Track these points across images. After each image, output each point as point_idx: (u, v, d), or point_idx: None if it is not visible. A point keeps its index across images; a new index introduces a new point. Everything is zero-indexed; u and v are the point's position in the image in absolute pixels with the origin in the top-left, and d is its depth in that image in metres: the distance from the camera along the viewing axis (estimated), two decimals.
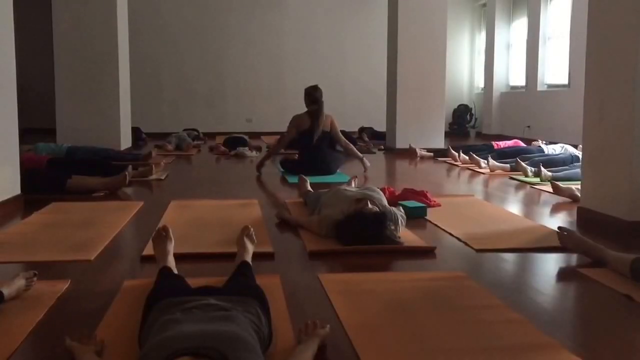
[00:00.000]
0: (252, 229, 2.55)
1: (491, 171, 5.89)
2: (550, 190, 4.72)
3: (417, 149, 7.39)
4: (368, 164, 5.86)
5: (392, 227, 2.92)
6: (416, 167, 6.56)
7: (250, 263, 2.27)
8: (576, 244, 2.76)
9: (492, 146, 7.00)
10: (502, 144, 7.07)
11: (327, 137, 5.79)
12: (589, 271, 2.55)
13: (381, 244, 2.85)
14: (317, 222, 3.14)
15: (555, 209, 4.15)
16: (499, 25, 10.96)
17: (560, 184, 4.52)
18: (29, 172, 4.35)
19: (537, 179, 5.22)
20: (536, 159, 5.86)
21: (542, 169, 5.26)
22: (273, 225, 3.41)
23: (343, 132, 8.43)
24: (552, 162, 5.71)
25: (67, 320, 2.00)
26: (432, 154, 7.38)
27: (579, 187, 4.38)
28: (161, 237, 2.44)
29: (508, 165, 5.95)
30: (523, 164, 5.44)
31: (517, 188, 5.04)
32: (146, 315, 1.68)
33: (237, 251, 2.41)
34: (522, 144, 6.96)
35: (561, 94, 8.97)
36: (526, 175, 5.34)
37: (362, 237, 2.86)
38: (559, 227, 2.89)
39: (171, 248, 2.40)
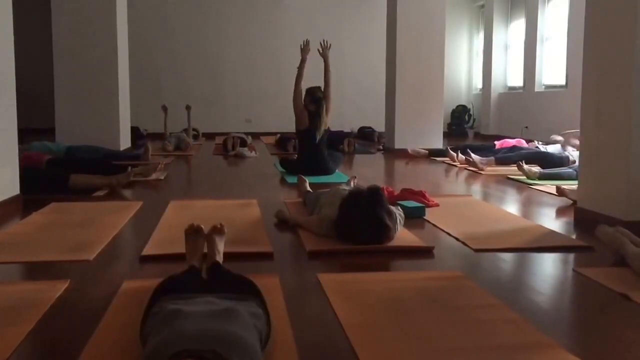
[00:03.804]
0: (223, 225, 2.48)
1: (478, 168, 5.95)
2: (548, 190, 4.74)
3: (408, 148, 7.45)
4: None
5: (388, 206, 2.97)
6: (414, 168, 6.58)
7: (221, 263, 2.23)
8: (605, 232, 2.80)
9: (494, 146, 7.03)
10: (504, 143, 7.10)
11: (326, 136, 5.79)
12: (586, 271, 2.56)
13: (378, 221, 2.86)
14: (317, 221, 3.15)
15: (553, 209, 4.17)
16: (497, 26, 10.98)
17: (565, 185, 4.52)
18: (29, 172, 4.35)
19: (535, 180, 5.24)
20: (523, 153, 5.95)
21: (523, 165, 5.32)
22: (272, 225, 3.42)
23: (341, 132, 8.48)
24: (548, 162, 5.74)
25: (66, 320, 2.00)
26: (426, 151, 7.41)
27: (568, 186, 4.41)
28: (198, 233, 2.40)
29: (493, 158, 6.01)
30: (525, 166, 5.42)
31: (515, 188, 5.06)
32: (151, 304, 1.69)
33: (206, 251, 2.36)
34: (525, 144, 6.98)
35: (559, 95, 8.99)
36: (528, 177, 5.33)
37: (359, 214, 2.86)
38: (617, 227, 2.87)
39: (203, 247, 2.36)
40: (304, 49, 5.83)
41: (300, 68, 5.76)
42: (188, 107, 8.83)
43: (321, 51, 5.89)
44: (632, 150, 3.29)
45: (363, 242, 2.89)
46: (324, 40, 5.92)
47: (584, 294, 2.41)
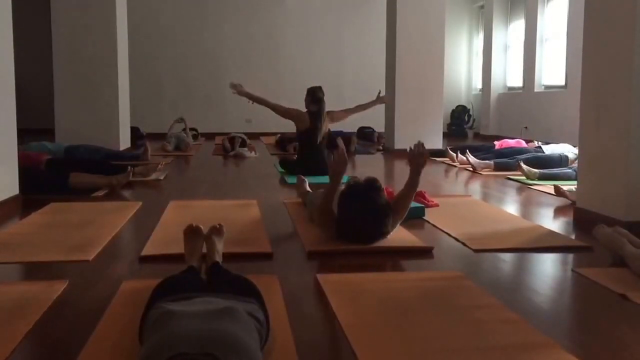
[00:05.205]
0: (222, 225, 2.53)
1: (474, 169, 5.95)
2: (547, 190, 4.74)
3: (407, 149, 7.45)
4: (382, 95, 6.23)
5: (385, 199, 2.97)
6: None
7: (220, 263, 2.25)
8: (603, 233, 2.80)
9: (493, 146, 7.02)
10: (503, 143, 7.09)
11: (326, 137, 5.80)
12: (585, 271, 2.56)
13: (376, 205, 2.86)
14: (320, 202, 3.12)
15: (552, 209, 4.17)
16: (497, 26, 10.98)
17: (563, 186, 4.52)
18: (29, 172, 4.35)
19: (535, 180, 5.23)
20: (521, 156, 5.93)
21: (523, 165, 5.31)
22: (272, 225, 3.42)
23: (341, 132, 8.48)
24: (545, 162, 5.74)
25: (65, 321, 2.00)
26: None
27: (566, 186, 4.41)
28: (197, 233, 2.43)
29: (492, 163, 6.01)
30: (524, 166, 5.42)
31: (515, 188, 5.06)
32: (150, 304, 1.69)
33: (206, 251, 2.38)
34: (524, 144, 6.98)
35: (558, 95, 8.99)
36: (528, 178, 5.33)
37: (357, 201, 2.87)
38: (615, 228, 2.88)
39: (202, 247, 2.39)
40: (238, 90, 5.87)
41: (255, 100, 5.91)
42: (182, 119, 8.70)
43: (384, 99, 6.34)
44: (632, 151, 3.29)
45: (362, 230, 2.88)
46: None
47: (583, 294, 2.41)
